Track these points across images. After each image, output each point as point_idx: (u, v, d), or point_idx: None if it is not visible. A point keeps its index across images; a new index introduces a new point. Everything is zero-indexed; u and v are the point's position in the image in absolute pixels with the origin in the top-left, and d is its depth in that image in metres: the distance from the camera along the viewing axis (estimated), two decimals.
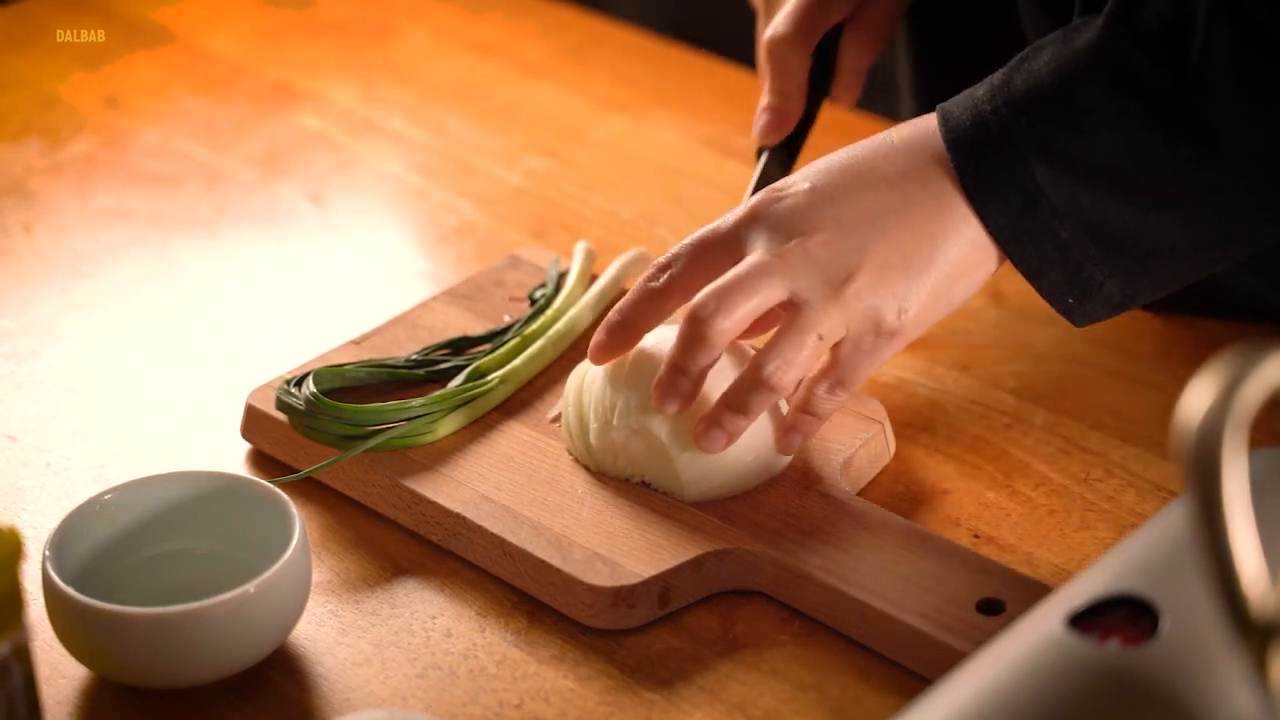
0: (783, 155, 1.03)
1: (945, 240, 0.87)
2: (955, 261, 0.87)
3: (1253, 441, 0.68)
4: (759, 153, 1.03)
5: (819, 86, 1.06)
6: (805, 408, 0.90)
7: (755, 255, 0.87)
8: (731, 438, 0.89)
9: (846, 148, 0.90)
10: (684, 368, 0.88)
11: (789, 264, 0.86)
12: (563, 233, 1.20)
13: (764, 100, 1.03)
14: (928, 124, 0.89)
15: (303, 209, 1.24)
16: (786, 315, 0.87)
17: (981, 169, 0.86)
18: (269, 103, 1.37)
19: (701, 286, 0.88)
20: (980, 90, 0.88)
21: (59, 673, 0.85)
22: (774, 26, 1.02)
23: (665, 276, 0.90)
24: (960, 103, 0.88)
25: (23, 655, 0.75)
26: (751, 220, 0.88)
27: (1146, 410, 1.01)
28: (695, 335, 0.87)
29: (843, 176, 0.88)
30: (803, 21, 1.02)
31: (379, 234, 1.22)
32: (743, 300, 0.86)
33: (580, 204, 1.24)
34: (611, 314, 0.91)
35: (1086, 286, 0.88)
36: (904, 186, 0.87)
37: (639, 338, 0.91)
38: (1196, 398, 0.61)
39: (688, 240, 0.90)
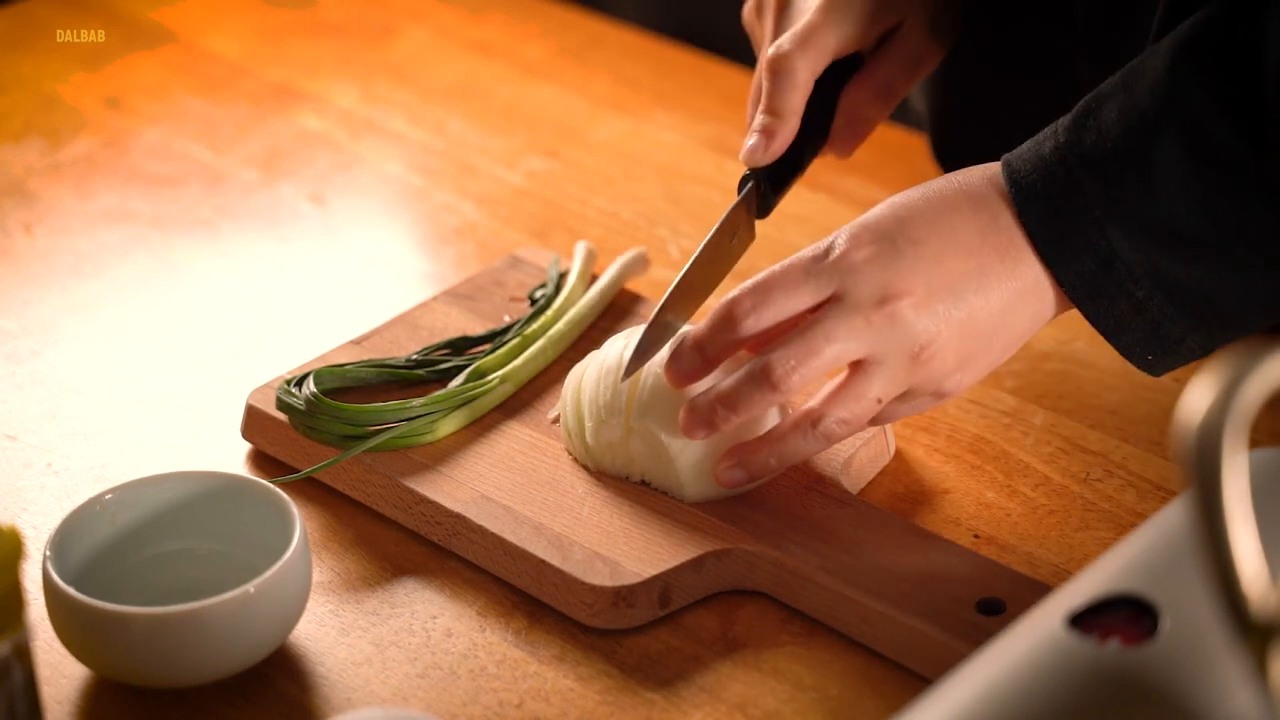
0: (768, 188, 0.97)
1: (1015, 316, 0.87)
2: (1014, 332, 0.88)
3: (1253, 441, 0.68)
4: (742, 182, 0.97)
5: (815, 130, 0.99)
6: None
7: (841, 312, 0.85)
8: (755, 479, 0.90)
9: (922, 191, 0.88)
10: (734, 405, 0.87)
11: (874, 326, 0.85)
12: (563, 233, 1.21)
13: (757, 121, 0.96)
14: (996, 179, 0.88)
15: (303, 209, 1.24)
16: (852, 370, 0.87)
17: (1056, 232, 0.86)
18: (270, 103, 1.37)
19: (780, 322, 0.87)
20: (1047, 147, 0.87)
21: (59, 672, 0.85)
22: (779, 43, 0.96)
23: (751, 319, 0.87)
24: (1027, 159, 0.87)
25: (23, 655, 0.75)
26: (840, 268, 0.86)
27: (1146, 410, 1.01)
28: (767, 382, 0.86)
29: (928, 231, 0.86)
30: (811, 42, 0.96)
31: (379, 234, 1.22)
32: (820, 358, 0.85)
33: (581, 204, 1.24)
34: (689, 340, 0.89)
35: (1165, 343, 0.88)
36: (982, 255, 0.86)
37: (717, 365, 0.89)
38: (1196, 398, 0.61)
39: (772, 274, 0.87)
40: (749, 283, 0.88)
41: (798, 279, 0.87)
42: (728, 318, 0.88)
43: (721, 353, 0.89)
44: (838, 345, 0.85)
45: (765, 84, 0.96)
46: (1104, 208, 0.85)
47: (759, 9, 1.03)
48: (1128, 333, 0.87)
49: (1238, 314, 0.88)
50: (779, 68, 0.95)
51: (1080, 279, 0.86)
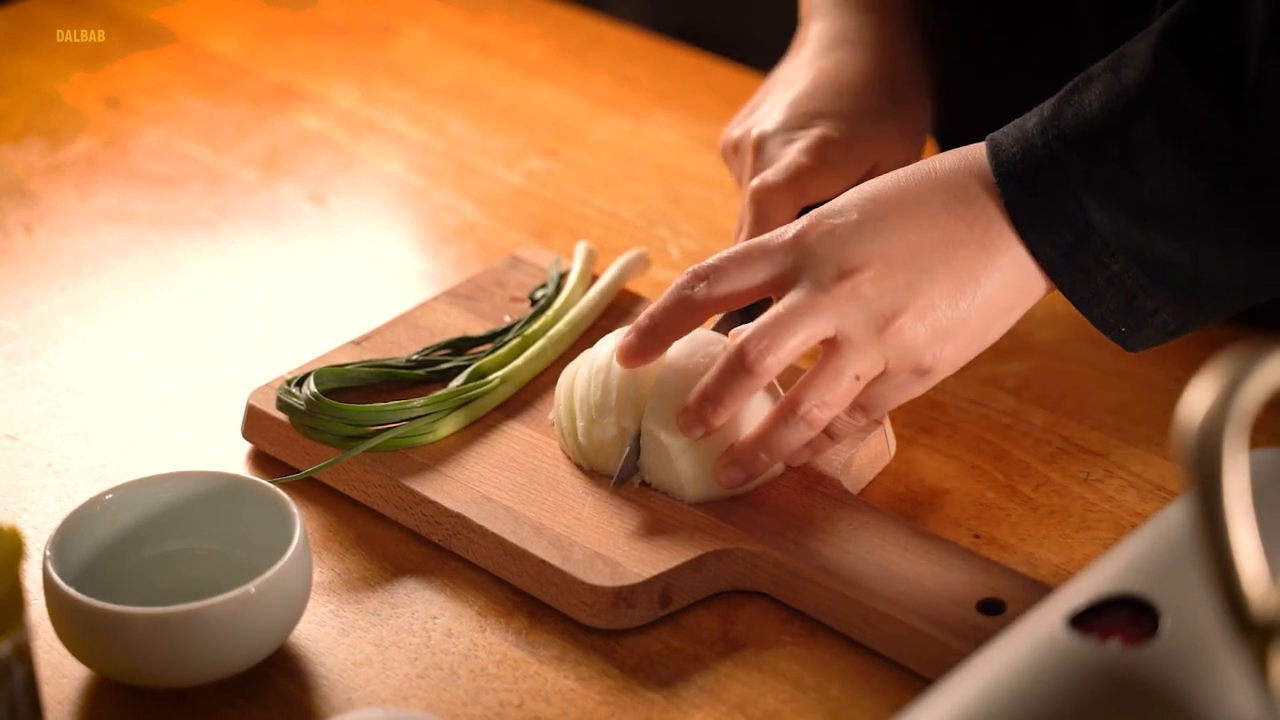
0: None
1: (987, 282, 0.87)
2: (994, 303, 0.87)
3: (1253, 441, 0.68)
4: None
5: None
6: (824, 429, 0.90)
7: (803, 290, 0.86)
8: (752, 476, 0.90)
9: (891, 175, 0.89)
10: (719, 398, 0.87)
11: (836, 301, 0.85)
12: (563, 233, 1.21)
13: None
14: (975, 156, 0.88)
15: (303, 209, 1.24)
16: (825, 351, 0.87)
17: (1033, 204, 0.86)
18: (270, 103, 1.37)
19: (737, 301, 0.88)
20: (1030, 122, 0.87)
21: (60, 672, 0.85)
22: (764, 175, 0.99)
23: (702, 287, 0.88)
24: (1010, 134, 0.88)
25: (24, 655, 0.75)
26: (798, 246, 0.87)
27: (1146, 410, 1.01)
28: (742, 368, 0.86)
29: (889, 208, 0.87)
30: (794, 180, 0.99)
31: (380, 234, 1.22)
32: (792, 337, 0.86)
33: (581, 204, 1.24)
34: (642, 318, 0.90)
35: (1139, 316, 0.88)
36: (949, 225, 0.87)
37: (668, 345, 0.90)
38: (1197, 398, 0.61)
39: (729, 252, 0.89)
40: (708, 260, 0.89)
41: (754, 254, 0.88)
42: (682, 289, 0.89)
43: (675, 329, 0.89)
44: (804, 320, 0.86)
45: (748, 215, 0.98)
46: (1081, 180, 0.85)
47: (735, 149, 1.04)
48: (1101, 304, 0.88)
49: (1213, 290, 0.88)
50: (762, 199, 0.98)
51: (1056, 251, 0.86)
